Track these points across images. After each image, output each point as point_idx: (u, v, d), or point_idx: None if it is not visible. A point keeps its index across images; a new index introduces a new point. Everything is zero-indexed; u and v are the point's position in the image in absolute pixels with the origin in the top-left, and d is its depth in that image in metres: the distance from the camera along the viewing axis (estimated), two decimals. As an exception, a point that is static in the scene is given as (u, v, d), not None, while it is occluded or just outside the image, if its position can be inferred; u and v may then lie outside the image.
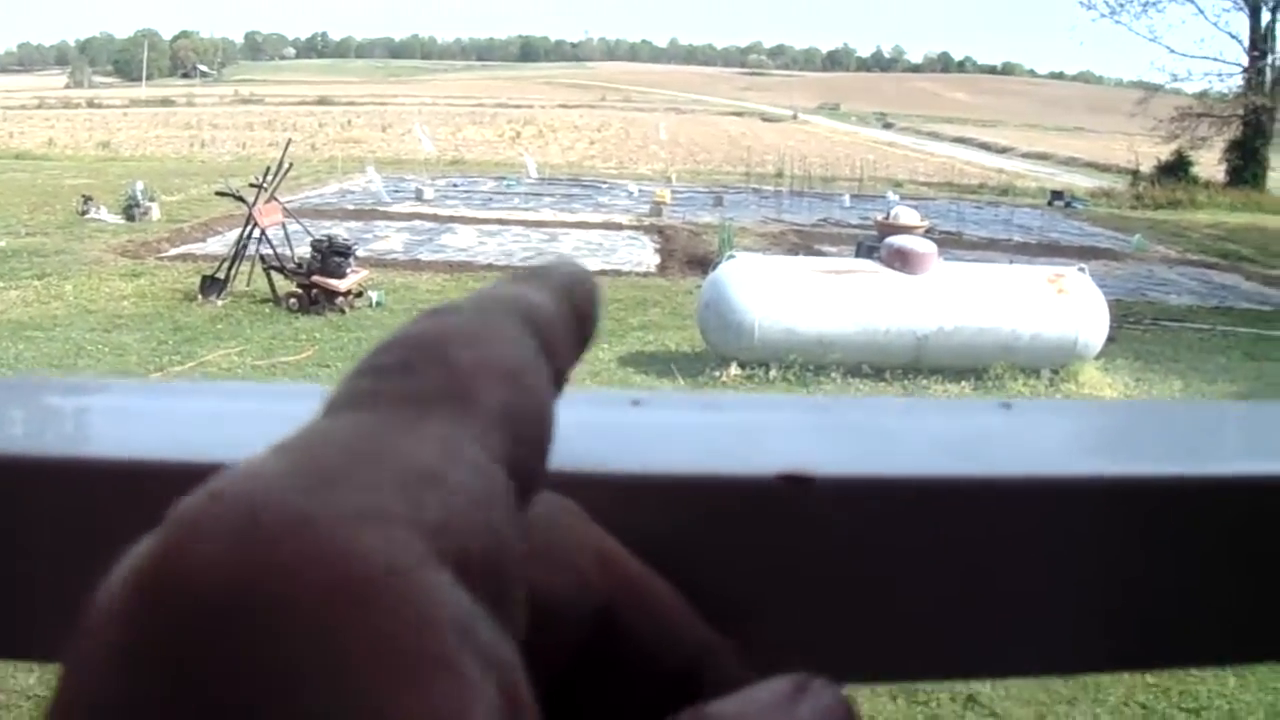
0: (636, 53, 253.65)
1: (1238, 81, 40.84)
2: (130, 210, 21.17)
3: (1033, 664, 0.41)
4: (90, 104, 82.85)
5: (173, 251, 18.15)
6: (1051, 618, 0.37)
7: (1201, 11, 41.50)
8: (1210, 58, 40.81)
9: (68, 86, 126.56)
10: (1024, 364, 11.82)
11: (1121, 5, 41.93)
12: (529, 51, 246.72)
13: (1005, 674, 0.40)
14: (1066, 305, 11.87)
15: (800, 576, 0.33)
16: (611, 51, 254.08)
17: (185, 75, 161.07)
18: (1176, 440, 0.45)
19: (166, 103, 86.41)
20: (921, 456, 0.36)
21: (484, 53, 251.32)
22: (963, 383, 11.53)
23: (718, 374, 11.35)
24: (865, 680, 0.37)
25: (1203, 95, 41.31)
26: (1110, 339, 12.30)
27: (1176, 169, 39.33)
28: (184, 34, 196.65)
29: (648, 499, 0.31)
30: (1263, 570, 0.37)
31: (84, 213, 20.95)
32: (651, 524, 0.31)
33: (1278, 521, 0.33)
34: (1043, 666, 0.41)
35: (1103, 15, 42.38)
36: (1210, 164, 40.46)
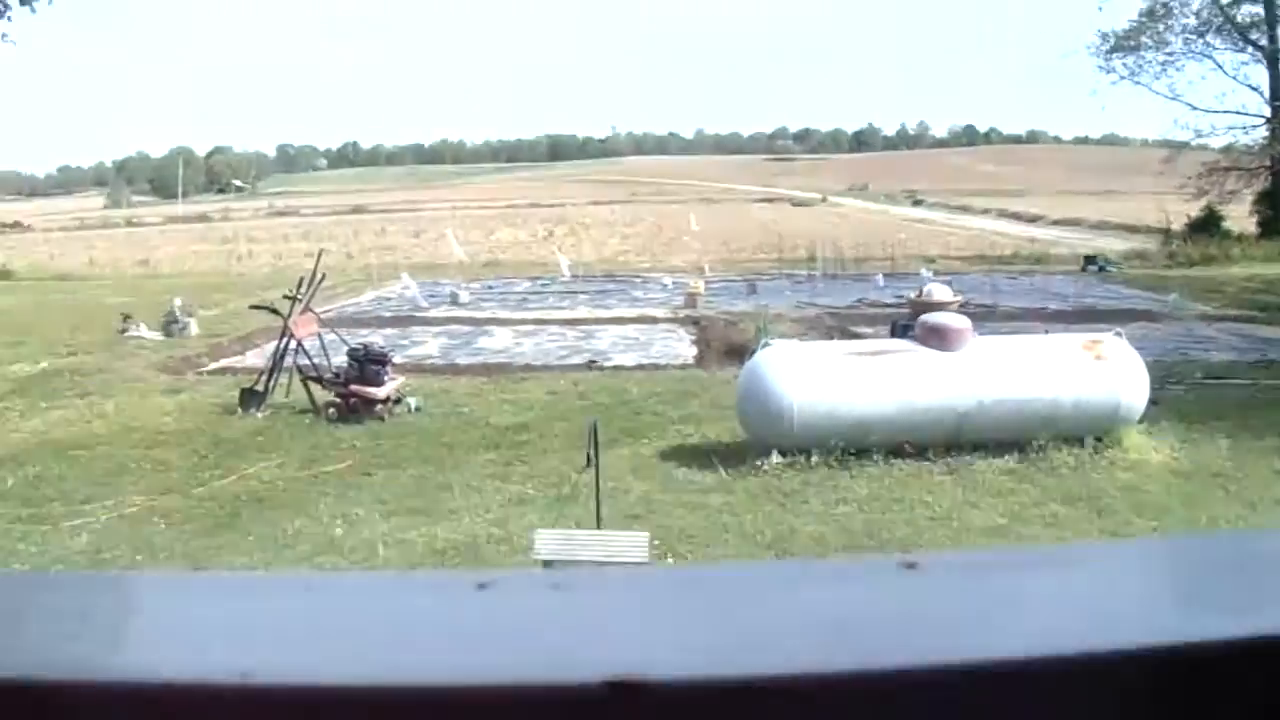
0: (664, 145, 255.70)
1: (1262, 133, 40.68)
2: (169, 326, 21.45)
3: None
4: (129, 223, 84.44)
5: (212, 366, 18.34)
6: None
7: (1220, 67, 41.41)
8: (1233, 111, 40.65)
9: (106, 207, 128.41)
10: (1067, 433, 11.67)
11: (1140, 66, 41.72)
12: (558, 150, 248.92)
13: None
14: (1105, 371, 11.77)
15: None
16: (639, 145, 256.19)
17: (221, 190, 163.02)
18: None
19: (203, 218, 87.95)
20: (793, 643, 0.29)
21: (513, 154, 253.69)
22: (1006, 456, 11.39)
23: (760, 463, 11.25)
24: None
25: (1228, 149, 41.11)
26: (1153, 402, 12.17)
27: (1208, 225, 39.30)
28: (218, 150, 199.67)
29: (475, 713, 0.29)
30: None
31: (124, 330, 21.20)
32: None
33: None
34: None
35: (1122, 78, 42.12)
36: (1241, 217, 40.34)
